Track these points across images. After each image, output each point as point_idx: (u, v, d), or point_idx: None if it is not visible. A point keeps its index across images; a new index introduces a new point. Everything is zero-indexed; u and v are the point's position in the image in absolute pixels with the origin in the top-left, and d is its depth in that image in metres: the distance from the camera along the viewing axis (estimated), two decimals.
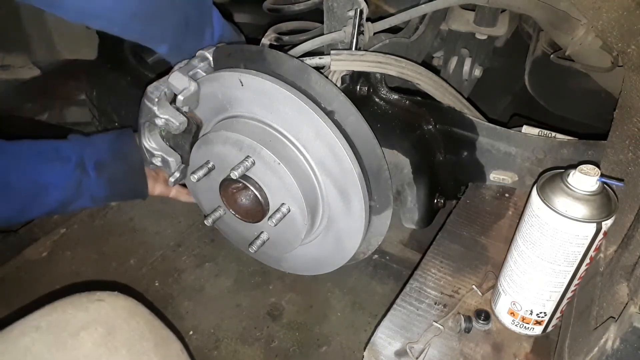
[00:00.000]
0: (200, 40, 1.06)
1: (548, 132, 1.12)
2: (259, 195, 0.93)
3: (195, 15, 1.03)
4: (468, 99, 1.23)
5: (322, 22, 1.16)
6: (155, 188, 1.16)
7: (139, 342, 0.67)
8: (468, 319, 0.86)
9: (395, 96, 1.12)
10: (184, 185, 1.20)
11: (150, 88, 0.96)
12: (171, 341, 0.73)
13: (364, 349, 0.85)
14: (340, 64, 1.01)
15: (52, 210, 1.04)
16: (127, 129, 1.12)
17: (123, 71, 1.49)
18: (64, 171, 1.02)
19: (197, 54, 0.98)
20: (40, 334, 0.63)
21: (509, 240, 0.85)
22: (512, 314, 0.84)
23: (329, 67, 1.02)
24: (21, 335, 0.63)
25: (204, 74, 0.97)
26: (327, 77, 0.91)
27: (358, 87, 1.09)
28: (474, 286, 0.93)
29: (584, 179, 0.71)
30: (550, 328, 0.85)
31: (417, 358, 0.81)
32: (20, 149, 1.00)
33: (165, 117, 0.96)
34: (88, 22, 0.93)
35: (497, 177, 1.13)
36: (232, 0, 1.72)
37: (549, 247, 0.74)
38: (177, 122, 0.96)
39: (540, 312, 0.82)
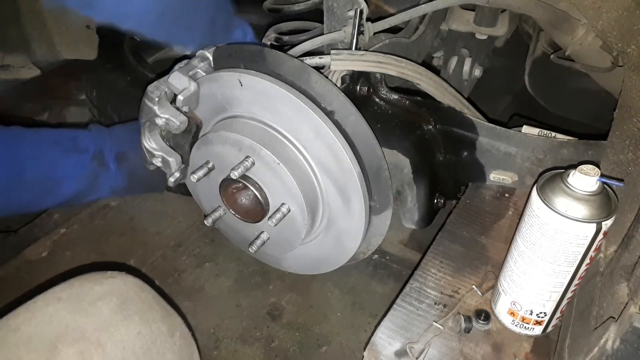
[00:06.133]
0: (230, 40, 1.05)
1: (548, 132, 1.12)
2: (258, 195, 0.93)
3: (221, 16, 1.02)
4: (468, 99, 1.23)
5: (322, 22, 1.16)
6: None
7: (149, 311, 0.75)
8: (468, 319, 0.86)
9: (395, 96, 1.12)
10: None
11: (150, 87, 0.96)
12: (175, 315, 0.81)
13: (364, 349, 0.85)
14: (341, 64, 1.01)
15: (67, 201, 1.04)
16: None
17: (123, 71, 1.49)
18: (79, 163, 1.01)
19: (197, 54, 0.98)
20: (63, 303, 0.70)
21: (509, 240, 0.85)
22: (512, 314, 0.84)
23: (329, 67, 1.02)
24: (45, 305, 0.69)
25: (204, 74, 0.97)
26: (327, 77, 0.91)
27: (358, 87, 1.09)
28: (474, 286, 0.93)
29: (584, 179, 0.71)
30: (550, 328, 0.85)
31: (417, 358, 0.81)
32: (38, 138, 0.99)
33: (166, 116, 0.96)
34: (119, 22, 0.93)
35: (497, 177, 1.13)
36: (232, 0, 1.71)
37: (549, 247, 0.74)
38: (178, 121, 0.96)
39: (540, 312, 0.82)
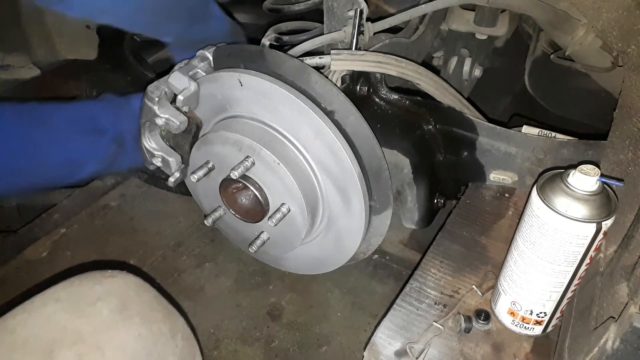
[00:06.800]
0: (206, 31, 1.04)
1: (548, 132, 1.12)
2: (258, 195, 0.93)
3: (197, 6, 1.02)
4: (468, 99, 1.22)
5: (322, 22, 1.16)
6: None
7: (150, 312, 0.74)
8: (468, 319, 0.86)
9: (395, 96, 1.12)
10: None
11: (150, 87, 0.96)
12: (176, 315, 0.80)
13: (364, 349, 0.85)
14: (341, 64, 1.01)
15: (85, 180, 1.04)
16: None
17: (123, 71, 1.49)
18: (98, 145, 1.00)
19: (197, 54, 0.98)
20: (61, 304, 0.69)
21: (509, 240, 0.85)
22: (512, 314, 0.84)
23: (329, 67, 1.02)
24: (42, 306, 0.68)
25: (204, 74, 0.97)
26: (327, 77, 0.91)
27: (358, 87, 1.09)
28: (474, 286, 0.93)
29: (584, 179, 0.71)
30: (550, 328, 0.85)
31: (417, 358, 0.81)
32: (57, 119, 0.98)
33: (166, 116, 0.96)
34: (93, 17, 0.94)
35: (497, 177, 1.13)
36: (232, 0, 1.72)
37: (549, 247, 0.74)
38: (178, 121, 0.96)
39: (540, 312, 0.82)
